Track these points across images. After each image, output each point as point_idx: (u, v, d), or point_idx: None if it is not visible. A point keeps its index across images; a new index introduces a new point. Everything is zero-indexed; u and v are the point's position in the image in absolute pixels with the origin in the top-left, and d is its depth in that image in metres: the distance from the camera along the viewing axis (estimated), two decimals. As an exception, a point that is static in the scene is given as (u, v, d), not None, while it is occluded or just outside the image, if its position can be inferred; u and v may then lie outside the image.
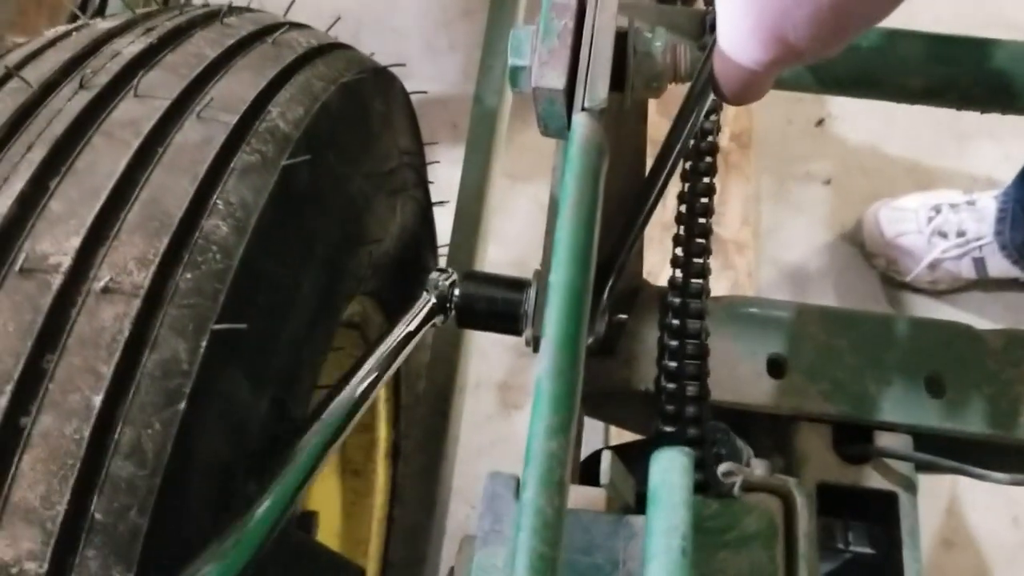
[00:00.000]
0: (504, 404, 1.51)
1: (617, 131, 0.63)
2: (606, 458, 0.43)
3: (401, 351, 0.71)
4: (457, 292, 0.78)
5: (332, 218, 0.65)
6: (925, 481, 0.76)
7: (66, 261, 0.50)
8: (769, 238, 1.65)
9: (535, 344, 0.83)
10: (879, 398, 0.77)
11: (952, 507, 1.45)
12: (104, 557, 0.45)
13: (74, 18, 0.85)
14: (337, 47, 0.74)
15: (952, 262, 1.48)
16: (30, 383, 0.46)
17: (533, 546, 0.39)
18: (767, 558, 0.41)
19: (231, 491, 0.54)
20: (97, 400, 0.47)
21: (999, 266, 1.48)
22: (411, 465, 1.05)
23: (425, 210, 0.98)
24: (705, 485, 0.44)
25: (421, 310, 0.75)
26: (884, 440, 0.75)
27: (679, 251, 0.75)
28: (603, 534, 0.42)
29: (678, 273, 0.74)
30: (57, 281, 0.49)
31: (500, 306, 0.79)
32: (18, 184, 0.52)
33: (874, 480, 0.74)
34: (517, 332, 0.81)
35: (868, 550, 0.73)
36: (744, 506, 0.42)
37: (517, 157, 1.59)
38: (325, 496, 1.11)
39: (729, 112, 1.60)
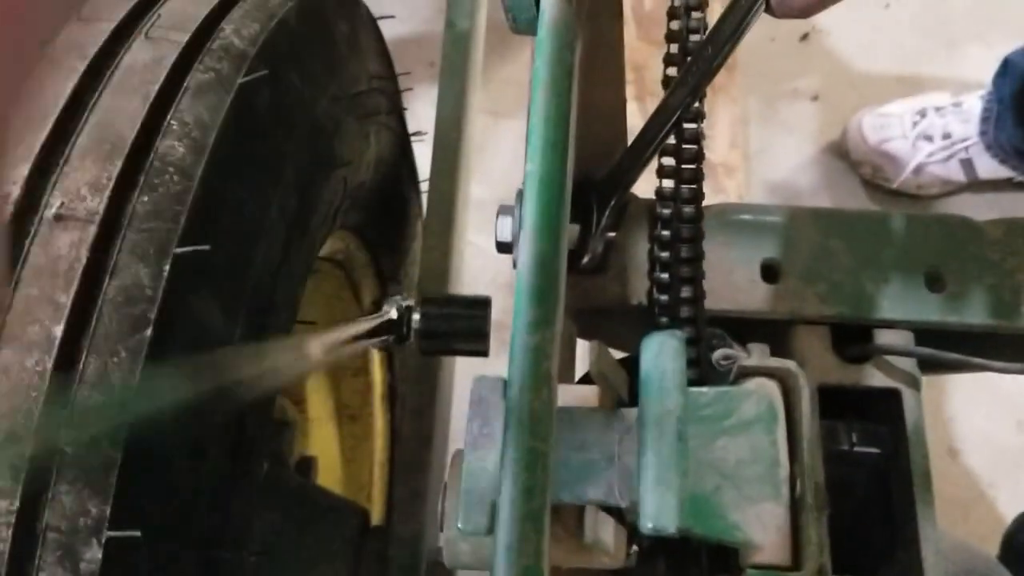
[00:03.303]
0: (501, 343, 1.48)
1: (590, 27, 0.60)
2: (593, 348, 0.41)
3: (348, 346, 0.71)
4: (417, 317, 0.76)
5: (298, 140, 0.62)
6: (926, 393, 0.74)
7: (15, 191, 0.47)
8: (758, 159, 1.62)
9: (522, 268, 0.81)
10: (878, 296, 0.75)
11: (955, 416, 1.44)
12: (78, 492, 0.43)
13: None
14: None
15: (939, 165, 1.45)
16: (-15, 317, 0.44)
17: (523, 442, 0.37)
18: (769, 441, 0.39)
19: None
20: (58, 330, 0.44)
21: (988, 166, 1.45)
22: (407, 406, 1.03)
23: (402, 141, 0.95)
24: (701, 382, 0.42)
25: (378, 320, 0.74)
26: (884, 337, 0.73)
27: (668, 160, 0.72)
28: (597, 430, 0.40)
29: (667, 183, 0.71)
30: (7, 212, 0.47)
31: (464, 325, 0.76)
32: (-42, 115, 0.49)
33: (876, 379, 0.72)
34: (484, 352, 0.78)
35: (874, 449, 0.71)
36: (742, 391, 0.40)
37: (498, 93, 1.55)
38: (323, 443, 1.09)
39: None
